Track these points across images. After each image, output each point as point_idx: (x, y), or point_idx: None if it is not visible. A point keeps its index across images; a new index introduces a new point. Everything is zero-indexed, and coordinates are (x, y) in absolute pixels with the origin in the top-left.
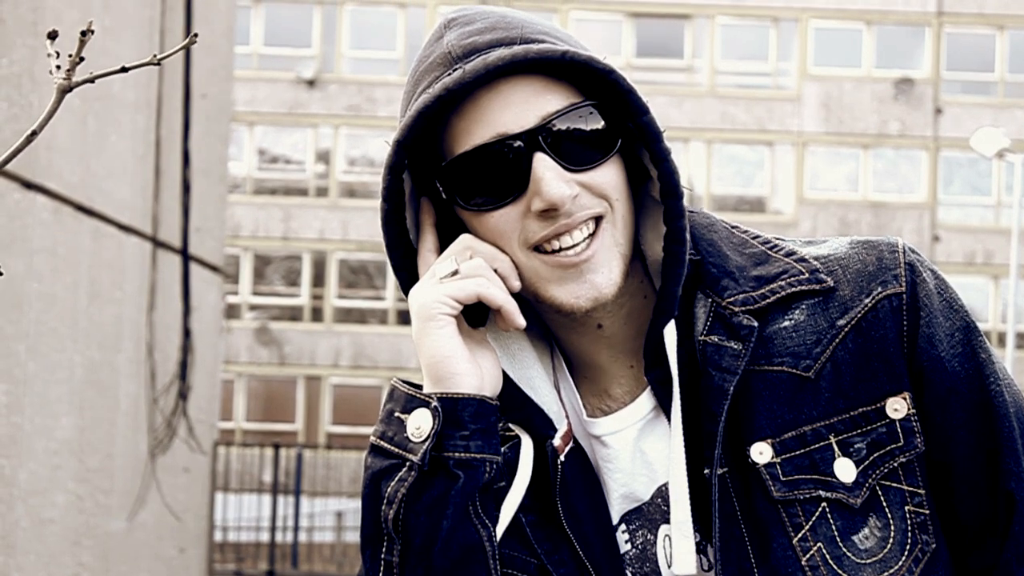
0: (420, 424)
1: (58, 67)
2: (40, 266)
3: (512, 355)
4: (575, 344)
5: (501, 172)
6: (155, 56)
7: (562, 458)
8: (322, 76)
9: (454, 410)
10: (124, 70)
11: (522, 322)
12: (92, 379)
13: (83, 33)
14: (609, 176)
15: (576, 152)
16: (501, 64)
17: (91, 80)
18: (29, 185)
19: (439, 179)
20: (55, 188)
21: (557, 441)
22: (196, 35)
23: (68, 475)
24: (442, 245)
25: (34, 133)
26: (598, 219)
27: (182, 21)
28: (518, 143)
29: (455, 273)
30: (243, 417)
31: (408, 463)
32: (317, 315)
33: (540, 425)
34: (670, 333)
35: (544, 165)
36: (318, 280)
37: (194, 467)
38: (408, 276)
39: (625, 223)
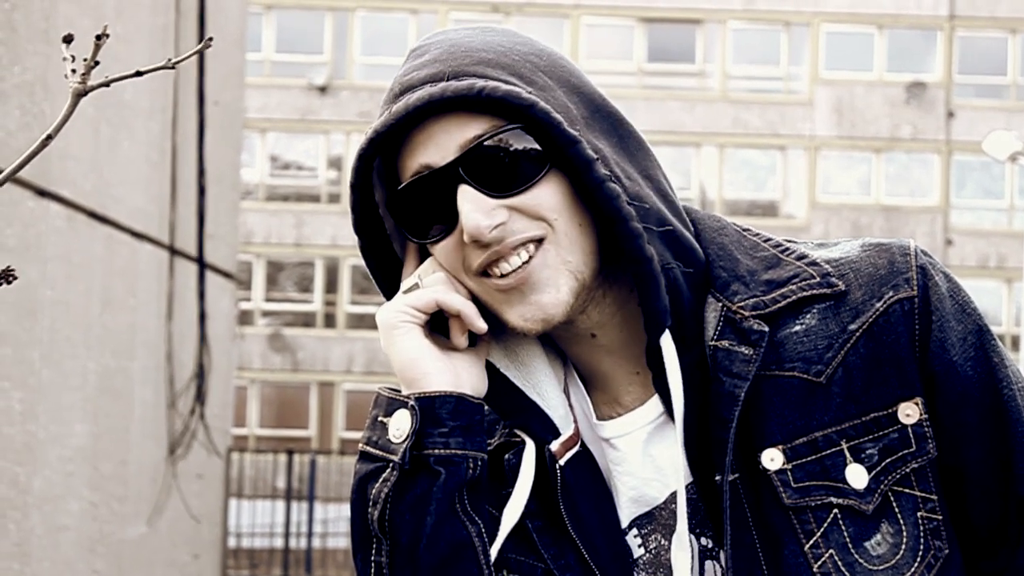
0: (400, 425)
1: (73, 71)
2: (54, 273)
3: (521, 361)
4: (576, 353)
5: (433, 206)
6: (169, 60)
7: (562, 462)
8: (334, 83)
9: (431, 408)
10: (139, 74)
11: (483, 325)
12: (106, 386)
13: (98, 37)
14: (545, 196)
15: (503, 177)
16: (420, 105)
17: (107, 84)
18: (43, 193)
19: (390, 214)
20: (68, 196)
21: (555, 446)
22: (211, 39)
23: (82, 482)
24: None
25: (49, 137)
26: (540, 240)
27: (195, 28)
28: (441, 176)
29: (416, 287)
30: (256, 423)
31: (391, 464)
32: (330, 321)
33: (539, 430)
34: (667, 343)
35: (465, 197)
36: (331, 286)
37: (208, 473)
38: None
39: (572, 240)
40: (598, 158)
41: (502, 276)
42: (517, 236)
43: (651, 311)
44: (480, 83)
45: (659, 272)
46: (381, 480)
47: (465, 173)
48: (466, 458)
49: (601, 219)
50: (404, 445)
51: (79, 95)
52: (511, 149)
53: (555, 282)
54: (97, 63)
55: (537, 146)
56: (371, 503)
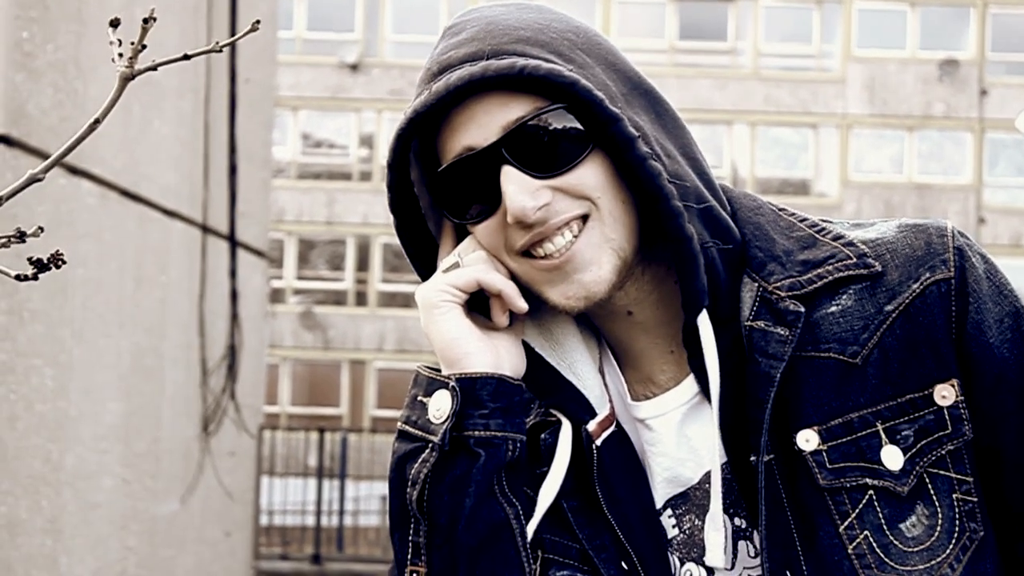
0: (440, 405)
1: (120, 55)
2: (86, 251)
3: (556, 341)
4: (611, 331)
5: (475, 187)
6: (217, 43)
7: (598, 442)
8: (365, 60)
9: (472, 389)
10: (186, 57)
11: (523, 305)
12: (138, 364)
13: (145, 21)
14: (588, 176)
15: (546, 157)
16: (461, 84)
17: (154, 68)
18: (75, 171)
19: (431, 194)
20: (100, 174)
21: (592, 426)
22: (258, 21)
23: (115, 459)
24: None
25: (97, 121)
26: (585, 218)
27: (227, 7)
28: (484, 157)
29: (456, 265)
30: (288, 401)
31: (430, 444)
32: (361, 299)
33: (575, 410)
34: (704, 323)
35: (508, 178)
36: (362, 264)
37: (240, 451)
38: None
39: (615, 218)
40: (639, 136)
41: (546, 256)
42: (561, 216)
43: (690, 290)
44: (521, 62)
45: (699, 251)
46: (420, 460)
47: (508, 154)
48: (506, 440)
49: (642, 197)
50: (444, 426)
51: (127, 79)
52: (554, 129)
53: (598, 260)
54: (144, 47)
55: (579, 125)
56: (410, 483)
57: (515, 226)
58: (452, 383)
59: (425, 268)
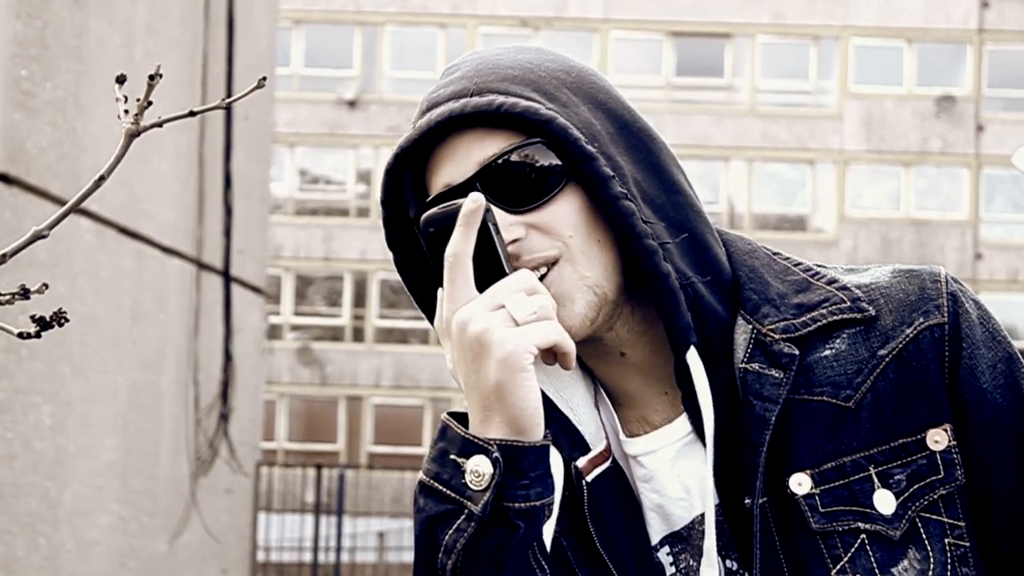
0: (479, 471)
1: (126, 111)
2: (83, 288)
3: (557, 375)
4: (605, 373)
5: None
6: (223, 100)
7: (588, 479)
8: (363, 97)
9: (514, 459)
10: (192, 114)
11: (573, 366)
12: (135, 401)
13: (151, 77)
14: (562, 212)
15: (520, 193)
16: (441, 120)
17: (159, 124)
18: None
19: (417, 231)
20: (98, 211)
21: (583, 462)
22: (264, 78)
23: (112, 496)
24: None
25: (102, 178)
26: (555, 261)
27: (224, 43)
28: (460, 193)
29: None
30: (285, 437)
31: (467, 511)
32: (358, 335)
33: (567, 444)
34: (694, 360)
35: None
36: (359, 300)
37: (237, 488)
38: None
39: (588, 257)
40: (614, 176)
41: None
42: (534, 255)
43: (673, 327)
44: (500, 99)
45: (677, 288)
46: (455, 528)
47: (483, 189)
48: (543, 507)
49: (618, 236)
50: (486, 497)
51: (132, 136)
52: (529, 166)
53: (571, 296)
54: (150, 103)
55: (557, 162)
56: (443, 550)
57: None
58: (495, 453)
59: (426, 303)
